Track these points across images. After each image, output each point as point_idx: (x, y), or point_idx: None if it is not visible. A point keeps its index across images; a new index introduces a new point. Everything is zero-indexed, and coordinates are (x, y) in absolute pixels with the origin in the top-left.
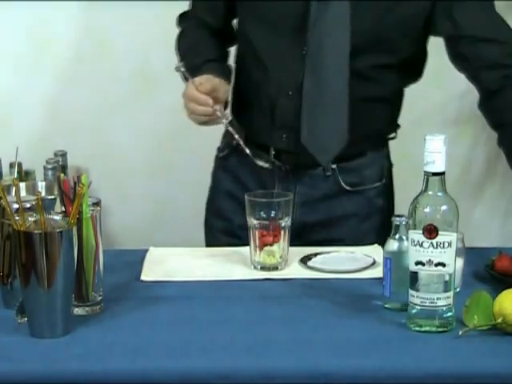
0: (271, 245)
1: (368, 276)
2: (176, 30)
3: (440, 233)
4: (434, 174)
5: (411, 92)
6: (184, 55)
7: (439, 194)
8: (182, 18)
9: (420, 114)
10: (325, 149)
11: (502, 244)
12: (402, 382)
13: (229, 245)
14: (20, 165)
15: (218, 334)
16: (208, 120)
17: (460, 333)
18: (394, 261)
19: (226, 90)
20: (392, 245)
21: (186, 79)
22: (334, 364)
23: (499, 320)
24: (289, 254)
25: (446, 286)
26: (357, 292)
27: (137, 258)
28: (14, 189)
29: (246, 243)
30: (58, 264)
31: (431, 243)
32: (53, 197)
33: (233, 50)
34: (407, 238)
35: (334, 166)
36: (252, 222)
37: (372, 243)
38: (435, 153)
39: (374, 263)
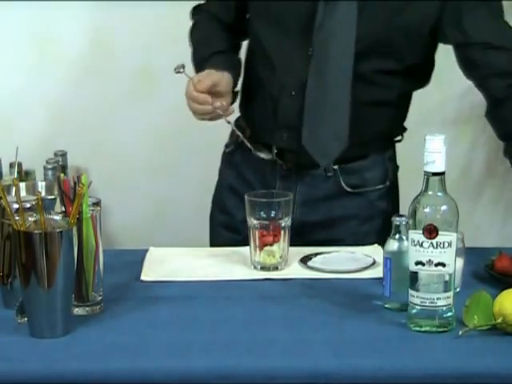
0: (271, 245)
1: (368, 276)
2: (177, 30)
3: (440, 233)
4: (434, 174)
5: None
6: (195, 48)
7: (439, 194)
8: (195, 11)
9: (420, 114)
10: (325, 151)
11: (502, 244)
12: (402, 381)
13: (230, 239)
14: (20, 165)
15: (217, 333)
16: (210, 117)
17: (460, 333)
18: (394, 261)
19: (228, 82)
20: (392, 245)
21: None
22: (334, 364)
23: (499, 320)
24: (289, 254)
25: (446, 286)
26: (357, 292)
27: (137, 258)
28: (13, 189)
29: (247, 238)
30: (58, 264)
31: (431, 243)
32: (53, 197)
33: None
34: (407, 238)
35: (335, 167)
36: (252, 221)
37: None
38: (435, 153)
39: (374, 263)
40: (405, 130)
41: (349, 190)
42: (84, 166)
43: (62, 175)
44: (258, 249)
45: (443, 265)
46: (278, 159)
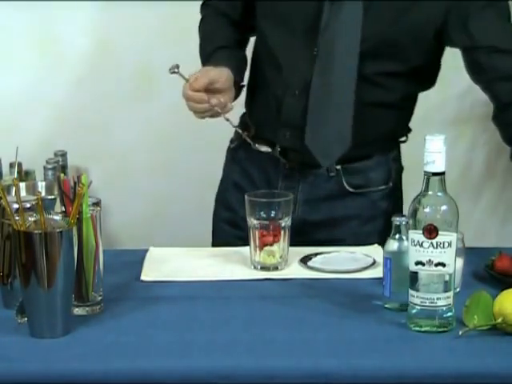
0: (271, 245)
1: (368, 276)
2: (177, 30)
3: (440, 233)
4: (434, 174)
5: None
6: (201, 42)
7: (439, 194)
8: (204, 6)
9: (420, 114)
10: (327, 151)
11: (502, 244)
12: (402, 381)
13: (233, 235)
14: (20, 165)
15: (218, 333)
16: (211, 115)
17: (460, 333)
18: (394, 261)
19: (228, 78)
20: (392, 245)
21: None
22: (334, 364)
23: (499, 320)
24: (289, 254)
25: (446, 286)
26: (357, 292)
27: (137, 258)
28: (13, 189)
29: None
30: (58, 264)
31: (431, 243)
32: (53, 197)
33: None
34: (407, 238)
35: (338, 167)
36: (252, 221)
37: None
38: (435, 153)
39: (374, 263)
40: (409, 130)
41: (351, 190)
42: (84, 166)
43: (62, 175)
44: (258, 249)
45: (443, 265)
46: (282, 158)
